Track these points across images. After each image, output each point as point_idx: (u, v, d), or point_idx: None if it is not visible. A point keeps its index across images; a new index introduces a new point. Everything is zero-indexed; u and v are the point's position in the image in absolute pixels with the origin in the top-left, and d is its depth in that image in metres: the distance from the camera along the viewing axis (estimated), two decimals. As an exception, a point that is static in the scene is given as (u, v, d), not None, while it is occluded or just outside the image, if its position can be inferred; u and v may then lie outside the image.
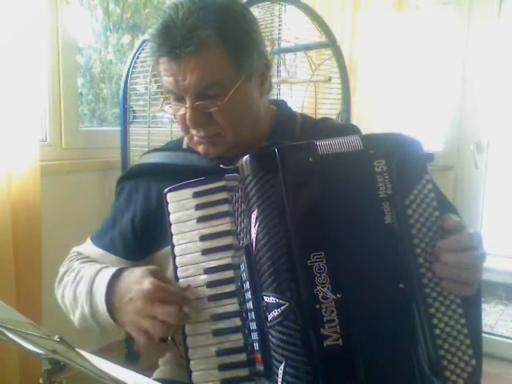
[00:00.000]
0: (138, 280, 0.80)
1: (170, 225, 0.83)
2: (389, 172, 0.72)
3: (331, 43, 2.12)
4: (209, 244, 0.81)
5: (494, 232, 2.55)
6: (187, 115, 0.86)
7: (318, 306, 0.68)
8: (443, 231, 0.72)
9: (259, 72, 0.90)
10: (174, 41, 0.81)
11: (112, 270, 0.86)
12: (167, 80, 0.86)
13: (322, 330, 0.68)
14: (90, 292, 0.87)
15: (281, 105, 1.03)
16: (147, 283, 0.77)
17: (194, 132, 0.89)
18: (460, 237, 0.71)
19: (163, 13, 0.84)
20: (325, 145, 0.73)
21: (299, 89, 2.27)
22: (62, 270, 1.00)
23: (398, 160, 0.72)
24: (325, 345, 0.68)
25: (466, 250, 0.71)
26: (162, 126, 2.26)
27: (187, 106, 0.85)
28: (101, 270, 0.89)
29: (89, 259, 1.00)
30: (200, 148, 0.91)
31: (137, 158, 1.96)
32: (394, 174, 0.72)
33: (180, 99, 0.87)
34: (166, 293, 0.77)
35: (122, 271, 0.85)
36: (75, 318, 0.92)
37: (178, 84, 0.84)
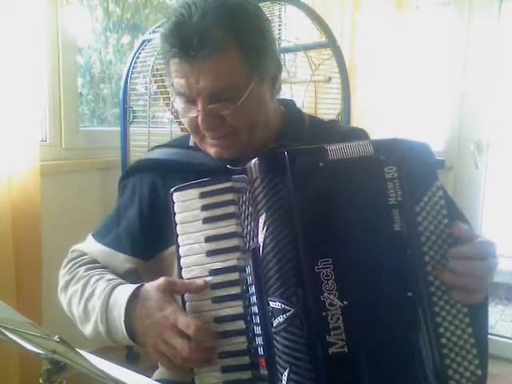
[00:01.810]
0: (158, 306, 0.78)
1: (176, 225, 0.82)
2: (399, 179, 0.71)
3: (331, 43, 2.12)
4: (214, 245, 0.80)
5: (494, 232, 2.55)
6: (199, 118, 0.84)
7: (324, 313, 0.68)
8: (452, 239, 0.71)
9: (271, 73, 0.88)
10: (189, 42, 0.78)
11: (128, 290, 0.83)
12: (179, 82, 0.83)
13: (327, 337, 0.67)
14: (106, 312, 0.85)
15: (289, 105, 1.02)
16: (167, 311, 0.76)
17: (206, 134, 0.87)
18: (471, 245, 0.71)
19: (174, 11, 0.81)
20: (335, 149, 0.72)
21: (299, 89, 2.27)
22: (64, 274, 0.97)
23: (408, 166, 0.72)
24: (330, 352, 0.67)
25: (476, 259, 0.71)
26: (161, 126, 2.26)
27: (199, 108, 0.83)
28: (115, 287, 0.86)
29: (94, 263, 0.96)
30: (213, 151, 0.89)
31: (137, 158, 1.96)
32: (405, 180, 0.71)
33: (191, 101, 0.85)
34: (181, 321, 0.75)
35: (139, 291, 0.82)
36: (86, 331, 0.90)
37: (191, 87, 0.82)
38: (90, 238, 1.01)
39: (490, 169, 2.46)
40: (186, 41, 0.79)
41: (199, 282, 0.79)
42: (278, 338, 0.69)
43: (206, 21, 0.78)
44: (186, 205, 0.82)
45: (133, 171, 1.02)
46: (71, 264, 0.97)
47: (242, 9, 0.83)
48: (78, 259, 0.98)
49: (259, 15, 0.86)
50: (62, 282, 0.96)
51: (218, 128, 0.85)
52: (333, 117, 2.17)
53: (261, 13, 0.88)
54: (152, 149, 1.05)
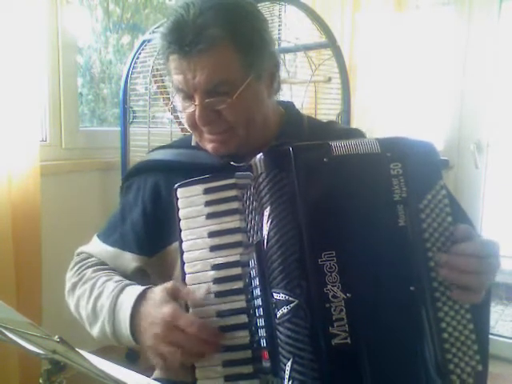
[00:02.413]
0: (158, 304, 0.79)
1: (179, 220, 0.83)
2: (404, 175, 0.72)
3: (331, 43, 2.12)
4: (217, 240, 0.81)
5: (494, 232, 2.55)
6: (196, 113, 0.86)
7: (327, 305, 0.69)
8: (455, 237, 0.72)
9: (268, 72, 0.90)
10: (185, 38, 0.81)
11: (135, 293, 0.84)
12: (177, 78, 0.86)
13: (330, 328, 0.68)
14: (113, 313, 0.85)
15: (288, 106, 1.03)
16: (167, 309, 0.77)
17: (204, 129, 0.90)
18: (471, 243, 0.72)
19: (174, 11, 0.84)
20: (339, 146, 0.74)
21: (299, 89, 2.27)
22: (71, 276, 0.97)
23: (414, 164, 0.73)
24: (333, 343, 0.68)
25: (476, 257, 0.71)
26: (161, 126, 2.26)
27: (196, 103, 0.86)
28: (123, 288, 0.87)
29: (100, 266, 0.97)
30: (210, 146, 0.91)
31: (137, 159, 1.97)
32: (410, 177, 0.72)
33: (189, 97, 0.87)
34: (182, 319, 0.76)
35: (146, 292, 0.83)
36: (93, 331, 0.90)
37: (188, 82, 0.84)
38: (95, 238, 1.02)
39: (490, 169, 2.46)
40: (182, 37, 0.82)
41: (201, 295, 0.79)
42: (281, 328, 0.70)
43: (202, 19, 0.81)
44: (190, 200, 0.83)
45: (137, 172, 1.03)
46: (78, 266, 0.98)
47: (240, 8, 0.85)
48: (85, 261, 0.99)
49: (257, 15, 0.88)
50: (69, 284, 0.97)
51: (214, 123, 0.87)
52: (333, 117, 2.17)
53: (258, 13, 0.90)
54: (154, 149, 1.06)
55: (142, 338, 0.81)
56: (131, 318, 0.83)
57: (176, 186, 0.84)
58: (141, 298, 0.83)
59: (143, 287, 0.85)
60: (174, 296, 0.80)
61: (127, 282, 0.90)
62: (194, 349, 0.76)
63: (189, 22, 0.81)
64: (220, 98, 0.85)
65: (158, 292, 0.81)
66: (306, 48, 2.21)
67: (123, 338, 0.85)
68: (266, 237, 0.72)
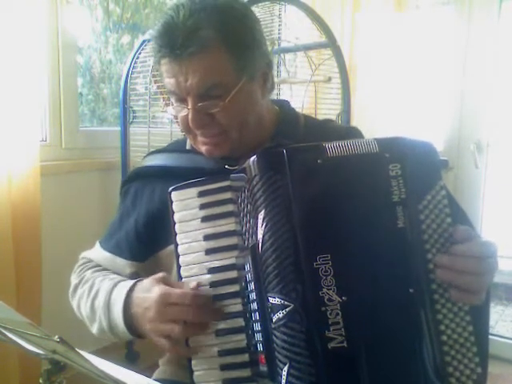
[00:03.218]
0: (148, 289, 0.81)
1: (174, 224, 0.83)
2: (403, 176, 0.71)
3: (331, 43, 2.12)
4: (213, 244, 0.81)
5: (494, 232, 2.55)
6: (189, 116, 0.85)
7: (323, 309, 0.68)
8: (454, 238, 0.71)
9: (261, 72, 0.89)
10: (175, 42, 0.80)
11: (127, 286, 0.86)
12: (169, 81, 0.85)
13: (327, 332, 0.68)
14: (108, 308, 0.88)
15: (283, 105, 1.03)
16: (157, 290, 0.79)
17: (197, 132, 0.89)
18: (470, 244, 0.71)
19: (164, 14, 0.83)
20: (334, 147, 0.72)
21: (299, 89, 2.27)
22: (73, 278, 1.01)
23: (413, 164, 0.72)
24: (330, 347, 0.67)
25: (475, 258, 0.71)
26: (161, 126, 2.26)
27: (189, 107, 0.85)
28: (116, 284, 0.90)
29: (99, 267, 1.00)
30: (204, 149, 0.91)
31: (137, 159, 1.97)
32: (409, 178, 0.71)
33: (182, 100, 0.86)
34: (175, 294, 0.78)
35: (135, 285, 0.86)
36: (93, 329, 0.94)
37: (180, 85, 0.83)
38: (97, 244, 1.05)
39: (490, 169, 2.46)
40: (172, 41, 0.81)
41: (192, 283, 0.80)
42: (277, 333, 0.70)
43: (192, 21, 0.80)
44: (185, 203, 0.83)
45: (136, 176, 1.03)
46: (80, 269, 1.02)
47: (230, 9, 0.84)
48: (86, 264, 1.03)
49: (248, 15, 0.87)
50: (71, 286, 1.01)
51: (208, 126, 0.87)
52: (333, 117, 2.17)
53: (250, 13, 0.89)
54: (150, 154, 1.06)
55: (140, 326, 0.83)
56: (124, 310, 0.84)
57: (170, 189, 0.84)
58: (132, 289, 0.85)
59: (134, 280, 0.87)
60: (163, 283, 0.81)
61: (121, 278, 0.93)
62: (193, 318, 0.77)
63: (179, 25, 0.80)
64: (213, 101, 0.84)
65: (146, 280, 0.84)
66: (306, 48, 2.21)
67: (120, 332, 0.87)
68: (260, 240, 0.71)
